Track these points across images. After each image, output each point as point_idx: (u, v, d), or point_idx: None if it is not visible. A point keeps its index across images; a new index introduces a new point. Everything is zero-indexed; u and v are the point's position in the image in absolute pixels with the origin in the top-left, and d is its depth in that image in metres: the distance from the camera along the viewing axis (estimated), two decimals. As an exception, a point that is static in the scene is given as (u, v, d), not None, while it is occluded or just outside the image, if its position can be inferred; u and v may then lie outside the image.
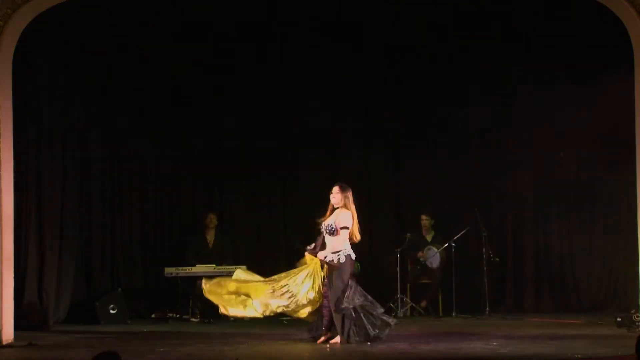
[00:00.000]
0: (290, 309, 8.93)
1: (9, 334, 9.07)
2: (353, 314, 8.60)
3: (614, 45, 10.56)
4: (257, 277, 9.25)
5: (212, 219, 11.66)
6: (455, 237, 11.46)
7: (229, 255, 11.68)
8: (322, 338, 8.80)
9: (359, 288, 8.78)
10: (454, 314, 11.27)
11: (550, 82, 11.80)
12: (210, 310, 11.37)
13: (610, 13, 9.53)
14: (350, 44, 12.15)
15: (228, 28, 11.99)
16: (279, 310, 8.95)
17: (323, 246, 8.86)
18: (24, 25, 9.33)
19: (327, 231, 8.80)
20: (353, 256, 8.82)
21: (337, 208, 8.87)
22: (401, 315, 11.33)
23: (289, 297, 8.85)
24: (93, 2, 10.90)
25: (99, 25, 11.40)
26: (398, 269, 11.53)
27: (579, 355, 7.60)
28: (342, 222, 8.78)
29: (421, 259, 11.64)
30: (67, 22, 10.75)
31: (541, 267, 12.01)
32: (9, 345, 8.84)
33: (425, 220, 11.86)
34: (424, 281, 11.80)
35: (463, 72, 12.09)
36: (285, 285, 8.89)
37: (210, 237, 11.72)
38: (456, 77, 12.13)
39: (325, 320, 8.81)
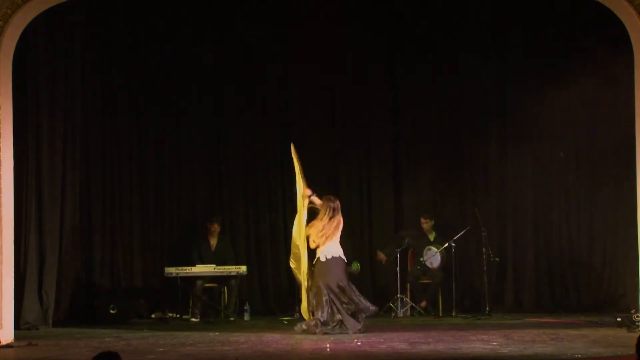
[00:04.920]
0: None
1: (9, 334, 9.08)
2: None
3: (613, 45, 10.57)
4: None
5: (216, 227, 11.67)
6: (455, 237, 11.44)
7: (231, 258, 11.69)
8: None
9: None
10: (454, 314, 11.26)
11: (549, 82, 11.78)
12: (210, 311, 11.41)
13: (610, 13, 9.54)
14: (351, 45, 12.15)
15: (228, 31, 12.01)
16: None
17: None
18: (24, 25, 9.34)
19: None
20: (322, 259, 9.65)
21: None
22: (401, 315, 11.34)
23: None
24: (93, 2, 10.91)
25: (99, 25, 11.42)
26: (398, 269, 11.53)
27: (579, 355, 7.60)
28: None
29: (422, 260, 11.58)
30: (68, 22, 10.77)
31: (541, 267, 11.99)
32: (9, 345, 8.85)
33: (425, 223, 11.85)
34: (424, 281, 11.79)
35: (462, 74, 12.08)
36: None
37: (213, 241, 11.73)
38: (457, 77, 12.13)
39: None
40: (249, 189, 12.34)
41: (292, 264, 9.87)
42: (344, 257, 9.71)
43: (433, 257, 11.56)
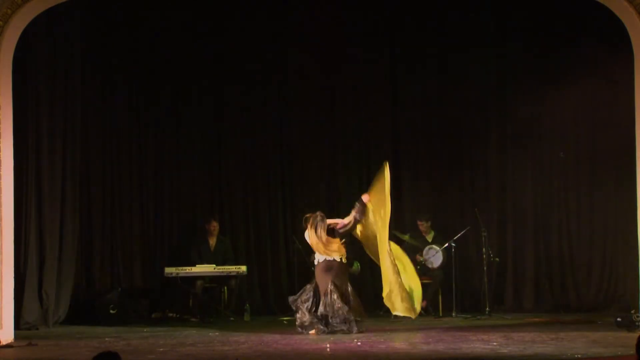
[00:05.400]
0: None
1: (9, 334, 9.08)
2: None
3: (613, 45, 10.58)
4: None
5: (215, 226, 11.68)
6: (455, 237, 11.44)
7: (230, 257, 11.69)
8: None
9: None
10: (454, 314, 11.25)
11: (549, 82, 11.78)
12: (210, 310, 11.41)
13: (610, 13, 9.54)
14: (351, 46, 12.15)
15: (228, 30, 12.01)
16: None
17: None
18: (24, 25, 9.35)
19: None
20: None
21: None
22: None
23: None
24: (93, 2, 10.91)
25: (99, 25, 11.42)
26: (398, 269, 11.51)
27: (579, 355, 7.60)
28: None
29: (421, 260, 11.59)
30: (67, 22, 10.76)
31: (541, 267, 11.99)
32: (9, 345, 8.85)
33: (421, 225, 11.84)
34: (424, 281, 11.75)
35: (462, 74, 12.08)
36: None
37: (213, 241, 11.73)
38: (456, 77, 12.13)
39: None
40: (249, 189, 12.33)
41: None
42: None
43: (434, 256, 11.54)
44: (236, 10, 11.91)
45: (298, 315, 9.65)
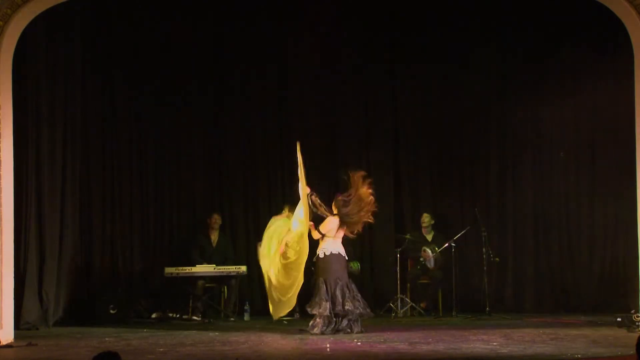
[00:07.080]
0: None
1: (9, 334, 9.08)
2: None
3: (613, 45, 10.58)
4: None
5: (217, 219, 11.68)
6: (455, 237, 11.45)
7: (231, 255, 11.69)
8: None
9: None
10: (454, 314, 11.26)
11: (549, 83, 11.80)
12: (210, 310, 11.41)
13: (610, 13, 9.55)
14: (351, 39, 12.16)
15: (228, 30, 12.02)
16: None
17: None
18: (24, 25, 9.35)
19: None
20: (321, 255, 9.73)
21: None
22: (401, 315, 11.34)
23: None
24: (93, 2, 10.92)
25: (99, 25, 11.43)
26: (398, 269, 11.53)
27: (579, 355, 7.60)
28: None
29: (421, 259, 11.61)
30: (68, 22, 10.77)
31: (541, 267, 11.99)
32: (9, 345, 8.85)
33: (426, 219, 11.82)
34: (424, 281, 11.79)
35: (463, 72, 12.09)
36: None
37: (214, 237, 11.73)
38: (456, 77, 12.13)
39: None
40: (249, 188, 12.34)
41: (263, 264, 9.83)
42: (344, 254, 9.74)
43: (428, 259, 11.55)
44: (237, 9, 11.91)
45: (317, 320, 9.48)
